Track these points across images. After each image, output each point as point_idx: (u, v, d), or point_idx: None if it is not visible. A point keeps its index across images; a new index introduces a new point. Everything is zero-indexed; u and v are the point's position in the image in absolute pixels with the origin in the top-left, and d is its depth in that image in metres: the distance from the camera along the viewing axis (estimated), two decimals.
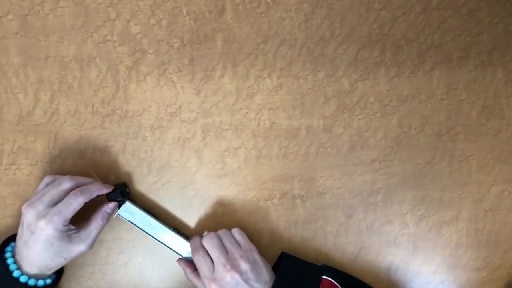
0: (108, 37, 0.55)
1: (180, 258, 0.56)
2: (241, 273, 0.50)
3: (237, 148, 0.57)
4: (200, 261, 0.52)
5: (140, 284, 0.58)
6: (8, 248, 0.50)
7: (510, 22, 0.58)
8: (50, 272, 0.50)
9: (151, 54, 0.55)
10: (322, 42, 0.56)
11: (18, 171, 0.56)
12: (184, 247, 0.55)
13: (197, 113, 0.57)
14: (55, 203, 0.48)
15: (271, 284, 0.51)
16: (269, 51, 0.56)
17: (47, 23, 0.54)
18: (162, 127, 0.56)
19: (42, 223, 0.46)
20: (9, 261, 0.48)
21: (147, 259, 0.58)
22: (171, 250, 0.55)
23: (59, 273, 0.54)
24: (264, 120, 0.57)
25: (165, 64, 0.55)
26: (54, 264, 0.49)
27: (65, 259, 0.49)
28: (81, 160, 0.56)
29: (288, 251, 0.58)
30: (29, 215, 0.47)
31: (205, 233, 0.58)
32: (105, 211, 0.51)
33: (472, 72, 0.58)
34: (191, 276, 0.54)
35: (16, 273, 0.48)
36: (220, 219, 0.58)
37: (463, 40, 0.58)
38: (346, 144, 0.58)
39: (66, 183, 0.49)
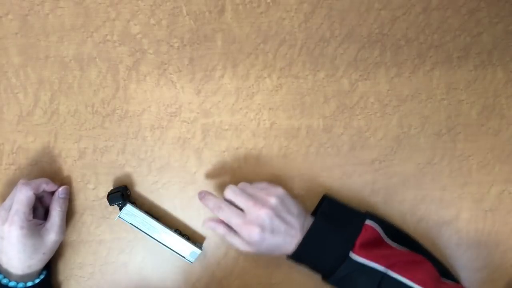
0: (108, 37, 0.55)
1: (217, 221, 0.52)
2: (272, 208, 0.49)
3: (237, 148, 0.57)
4: (228, 214, 0.50)
5: (140, 284, 0.58)
6: None
7: (510, 22, 0.58)
8: (35, 271, 0.51)
9: (151, 54, 0.55)
10: (322, 42, 0.56)
11: (18, 171, 0.56)
12: (186, 249, 0.55)
13: (197, 113, 0.57)
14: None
15: (304, 217, 0.51)
16: (269, 51, 0.56)
17: (47, 23, 0.54)
18: (162, 127, 0.56)
19: (6, 226, 0.48)
20: None
21: (147, 259, 0.58)
22: (173, 252, 0.55)
23: (48, 270, 0.54)
24: (264, 120, 0.57)
25: (165, 64, 0.55)
26: (35, 262, 0.50)
27: (44, 253, 0.50)
28: (81, 160, 0.56)
29: None
30: None
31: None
32: (58, 197, 0.52)
33: (472, 72, 0.58)
34: (231, 235, 0.51)
35: (4, 281, 0.49)
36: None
37: (463, 40, 0.58)
38: (346, 144, 0.58)
39: (19, 185, 0.50)
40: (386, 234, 0.53)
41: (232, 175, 0.58)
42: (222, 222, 0.52)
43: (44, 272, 0.53)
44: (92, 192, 0.57)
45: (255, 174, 0.58)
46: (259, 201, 0.50)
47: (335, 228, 0.51)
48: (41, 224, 0.51)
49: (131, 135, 0.56)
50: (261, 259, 0.54)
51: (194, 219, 0.58)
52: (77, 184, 0.56)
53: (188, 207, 0.58)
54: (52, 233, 0.51)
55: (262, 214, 0.49)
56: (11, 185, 0.56)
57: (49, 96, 0.55)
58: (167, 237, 0.54)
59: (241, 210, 0.50)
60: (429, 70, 0.58)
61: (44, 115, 0.55)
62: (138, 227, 0.54)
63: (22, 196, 0.49)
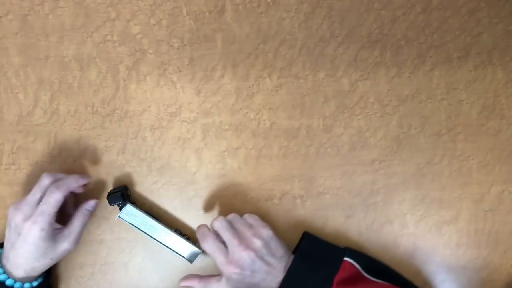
0: (108, 37, 0.55)
1: (184, 278, 0.55)
2: (256, 250, 0.50)
3: (237, 148, 0.57)
4: (213, 248, 0.51)
5: (140, 284, 0.58)
6: None
7: (510, 22, 0.58)
8: (36, 274, 0.50)
9: (151, 54, 0.55)
10: (322, 42, 0.56)
11: (18, 171, 0.56)
12: (186, 249, 0.55)
13: (197, 113, 0.57)
14: (38, 201, 0.48)
15: (287, 258, 0.52)
16: (269, 51, 0.56)
17: (47, 23, 0.54)
18: (162, 127, 0.56)
19: (28, 224, 0.47)
20: None
21: (147, 259, 0.58)
22: (173, 252, 0.55)
23: (47, 275, 0.53)
24: (264, 120, 0.57)
25: (165, 64, 0.55)
26: (40, 265, 0.49)
27: (51, 259, 0.49)
28: (81, 160, 0.56)
29: None
30: (16, 217, 0.48)
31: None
32: (86, 209, 0.51)
33: (472, 72, 0.58)
34: (201, 285, 0.53)
35: (2, 277, 0.48)
36: None
37: (463, 40, 0.57)
38: (346, 144, 0.58)
39: (45, 180, 0.49)
40: (366, 269, 0.53)
41: (232, 175, 0.58)
42: (196, 276, 0.54)
43: (43, 275, 0.52)
44: (92, 192, 0.57)
45: (255, 174, 0.58)
46: (243, 241, 0.50)
47: (313, 267, 0.51)
48: (58, 229, 0.50)
49: (131, 135, 0.56)
50: None
51: (194, 219, 0.58)
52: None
53: (188, 207, 0.58)
54: (67, 242, 0.50)
55: (244, 255, 0.49)
56: (11, 185, 0.56)
57: (49, 96, 0.55)
58: (167, 237, 0.54)
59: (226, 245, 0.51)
60: (429, 70, 0.58)
61: (44, 115, 0.55)
62: (138, 227, 0.54)
63: (52, 200, 0.47)
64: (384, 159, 0.58)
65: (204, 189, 0.58)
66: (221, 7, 0.55)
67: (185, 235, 0.56)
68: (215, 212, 0.58)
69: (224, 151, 0.57)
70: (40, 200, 0.48)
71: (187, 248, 0.55)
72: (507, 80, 0.58)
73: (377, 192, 0.59)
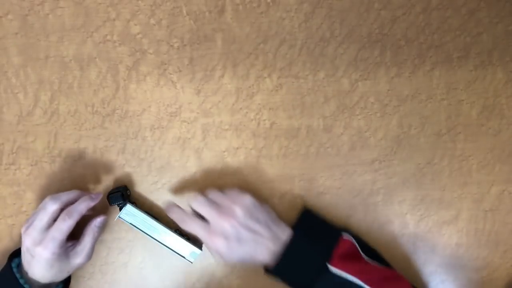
0: (108, 37, 0.55)
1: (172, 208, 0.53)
2: (237, 217, 0.49)
3: (237, 148, 0.57)
4: (193, 226, 0.50)
5: (140, 284, 0.58)
6: (13, 264, 0.51)
7: (510, 22, 0.58)
8: (56, 282, 0.51)
9: (151, 54, 0.55)
10: (322, 42, 0.56)
11: (18, 171, 0.56)
12: (186, 249, 0.55)
13: (197, 113, 0.57)
14: (46, 226, 0.48)
15: (278, 227, 0.51)
16: (269, 51, 0.56)
17: (47, 23, 0.54)
18: (162, 127, 0.56)
19: (39, 249, 0.47)
20: (18, 275, 0.50)
21: (147, 259, 0.58)
22: (173, 252, 0.55)
23: (66, 282, 0.54)
24: (264, 120, 0.57)
25: (165, 64, 0.55)
26: (57, 278, 0.50)
27: (68, 272, 0.51)
28: (81, 160, 0.56)
29: None
30: (26, 241, 0.48)
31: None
32: (95, 225, 0.51)
33: (472, 72, 0.58)
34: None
35: (26, 286, 0.49)
36: None
37: (463, 40, 0.58)
38: (346, 144, 0.58)
39: (51, 206, 0.49)
40: (363, 250, 0.53)
41: (232, 175, 0.58)
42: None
43: (60, 285, 0.53)
44: (92, 192, 0.57)
45: (255, 174, 0.58)
46: (223, 212, 0.50)
47: (313, 241, 0.51)
48: (70, 246, 0.51)
49: (131, 135, 0.56)
50: None
51: None
52: (77, 184, 0.56)
53: (188, 207, 0.58)
54: (80, 257, 0.50)
55: (226, 224, 0.49)
56: (11, 185, 0.56)
57: (49, 96, 0.55)
58: (167, 237, 0.54)
59: (207, 221, 0.51)
60: (429, 70, 0.58)
61: (44, 115, 0.55)
62: (138, 227, 0.54)
63: (65, 227, 0.48)
64: (384, 159, 0.58)
65: (204, 189, 0.58)
66: (221, 7, 0.55)
67: (185, 235, 0.56)
68: None
69: (224, 151, 0.57)
70: (48, 224, 0.48)
71: (187, 248, 0.55)
72: (507, 80, 0.58)
73: (377, 192, 0.59)
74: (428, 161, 0.59)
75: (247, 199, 0.52)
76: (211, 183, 0.57)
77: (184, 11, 0.55)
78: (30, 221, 0.49)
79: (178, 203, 0.54)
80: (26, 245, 0.48)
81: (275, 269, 0.50)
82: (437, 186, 0.59)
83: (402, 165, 0.59)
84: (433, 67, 0.58)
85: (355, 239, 0.54)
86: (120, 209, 0.53)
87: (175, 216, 0.52)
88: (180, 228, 0.57)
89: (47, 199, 0.49)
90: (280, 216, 0.58)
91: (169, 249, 0.55)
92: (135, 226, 0.54)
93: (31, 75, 0.55)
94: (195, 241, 0.56)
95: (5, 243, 0.56)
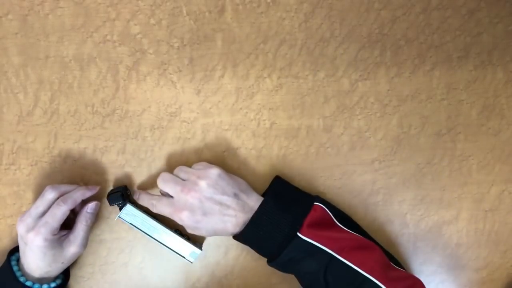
0: (108, 37, 0.55)
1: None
2: (200, 191, 0.49)
3: (237, 148, 0.57)
4: (159, 207, 0.50)
5: (140, 284, 0.58)
6: (13, 257, 0.51)
7: (510, 22, 0.58)
8: (52, 276, 0.51)
9: (151, 54, 0.55)
10: (322, 42, 0.56)
11: (18, 171, 0.56)
12: (186, 249, 0.55)
13: (197, 113, 0.57)
14: (42, 214, 0.49)
15: (248, 196, 0.50)
16: (269, 51, 0.56)
17: (47, 23, 0.54)
18: (162, 127, 0.56)
19: (31, 235, 0.48)
20: (15, 268, 0.50)
21: (147, 259, 0.58)
22: (173, 252, 0.55)
23: (66, 275, 0.55)
24: (264, 120, 0.57)
25: (165, 64, 0.55)
26: (53, 269, 0.50)
27: (62, 263, 0.50)
28: (81, 160, 0.56)
29: None
30: (20, 228, 0.48)
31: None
32: (87, 212, 0.52)
33: (472, 72, 0.58)
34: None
35: (22, 279, 0.49)
36: None
37: (463, 40, 0.58)
38: (346, 144, 0.58)
39: (49, 194, 0.49)
40: (336, 217, 0.52)
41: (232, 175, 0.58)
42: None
43: (61, 276, 0.53)
44: None
45: (255, 174, 0.58)
46: (187, 186, 0.49)
47: (283, 207, 0.50)
48: (64, 235, 0.51)
49: (131, 135, 0.56)
50: (261, 259, 0.54)
51: None
52: (77, 184, 0.56)
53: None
54: (74, 246, 0.50)
55: (189, 198, 0.48)
56: (11, 185, 0.56)
57: (49, 96, 0.55)
58: (167, 237, 0.54)
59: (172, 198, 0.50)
60: (429, 70, 0.58)
61: (44, 115, 0.55)
62: (138, 227, 0.54)
63: (59, 213, 0.48)
64: (384, 159, 0.58)
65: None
66: (221, 7, 0.55)
67: (185, 235, 0.56)
68: None
69: (224, 151, 0.57)
70: (43, 213, 0.49)
71: (187, 248, 0.55)
72: (507, 80, 0.58)
73: (377, 192, 0.59)
74: (428, 161, 0.59)
75: (213, 171, 0.50)
76: None
77: (184, 11, 0.55)
78: (27, 210, 0.50)
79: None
80: (20, 232, 0.48)
81: (243, 234, 0.50)
82: (437, 186, 0.59)
83: (402, 165, 0.59)
84: (433, 67, 0.58)
85: (329, 207, 0.52)
86: (120, 209, 0.53)
87: (144, 203, 0.52)
88: (180, 228, 0.57)
89: (46, 187, 0.50)
90: None
91: (169, 249, 0.55)
92: (135, 226, 0.54)
93: (31, 75, 0.55)
94: (195, 241, 0.56)
95: (5, 243, 0.56)
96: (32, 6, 0.54)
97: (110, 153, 0.56)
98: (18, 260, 0.51)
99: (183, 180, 0.51)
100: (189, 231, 0.51)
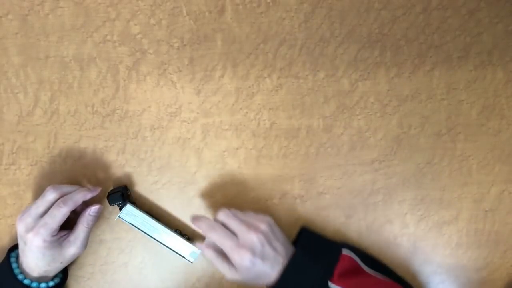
0: (108, 37, 0.55)
1: (206, 245, 0.52)
2: (263, 233, 0.50)
3: (237, 148, 0.57)
4: (221, 235, 0.50)
5: (140, 284, 0.58)
6: (13, 254, 0.51)
7: (510, 22, 0.58)
8: (51, 275, 0.51)
9: (151, 54, 0.55)
10: (322, 42, 0.56)
11: (18, 171, 0.56)
12: (186, 249, 0.55)
13: (197, 113, 0.57)
14: (41, 214, 0.49)
15: (288, 247, 0.52)
16: (269, 51, 0.56)
17: (47, 23, 0.54)
18: (162, 127, 0.56)
19: (30, 235, 0.48)
20: (14, 265, 0.50)
21: (147, 259, 0.58)
22: (173, 252, 0.55)
23: (64, 273, 0.55)
24: (264, 120, 0.57)
25: (165, 64, 0.55)
26: (51, 269, 0.50)
27: (61, 262, 0.50)
28: (81, 160, 0.56)
29: None
30: (19, 227, 0.48)
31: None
32: (89, 215, 0.52)
33: (472, 72, 0.58)
34: (219, 260, 0.51)
35: (20, 277, 0.49)
36: None
37: (463, 40, 0.57)
38: (346, 144, 0.58)
39: (50, 194, 0.49)
40: (364, 262, 0.54)
41: (232, 175, 0.58)
42: (210, 247, 0.51)
43: (60, 275, 0.53)
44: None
45: (255, 174, 0.58)
46: (251, 226, 0.50)
47: (314, 259, 0.52)
48: (63, 236, 0.51)
49: (131, 135, 0.56)
50: None
51: None
52: (77, 184, 0.56)
53: (188, 207, 0.58)
54: (74, 247, 0.50)
55: (255, 238, 0.49)
56: (11, 185, 0.56)
57: (49, 96, 0.55)
58: (167, 237, 0.54)
59: (233, 233, 0.51)
60: (429, 70, 0.58)
61: (44, 115, 0.55)
62: (138, 227, 0.54)
63: (59, 214, 0.48)
64: (384, 159, 0.58)
65: (204, 189, 0.58)
66: (221, 7, 0.55)
67: (185, 235, 0.56)
68: (215, 212, 0.58)
69: (224, 151, 0.57)
70: (43, 213, 0.49)
71: (187, 248, 0.55)
72: (507, 80, 0.58)
73: (377, 192, 0.59)
74: (428, 161, 0.59)
75: (268, 217, 0.53)
76: (211, 183, 0.57)
77: (184, 11, 0.55)
78: (26, 208, 0.49)
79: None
80: (20, 231, 0.48)
81: (277, 285, 0.50)
82: (437, 186, 0.59)
83: (402, 165, 0.59)
84: (433, 67, 0.58)
85: (355, 251, 0.54)
86: (120, 209, 0.53)
87: (203, 224, 0.52)
88: (180, 228, 0.57)
89: (48, 187, 0.50)
90: (280, 216, 0.59)
91: (169, 249, 0.55)
92: (135, 226, 0.54)
93: (31, 75, 0.55)
94: (195, 241, 0.56)
95: (5, 243, 0.56)
96: (32, 6, 0.54)
97: (110, 153, 0.56)
98: (17, 257, 0.51)
99: (239, 217, 0.52)
100: (237, 273, 0.50)
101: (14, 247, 0.53)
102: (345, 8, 0.56)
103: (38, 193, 0.56)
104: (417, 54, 0.57)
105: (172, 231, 0.54)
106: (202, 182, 0.57)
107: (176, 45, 0.55)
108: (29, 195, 0.56)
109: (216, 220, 0.52)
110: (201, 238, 0.58)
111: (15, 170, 0.56)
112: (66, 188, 0.51)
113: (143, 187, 0.57)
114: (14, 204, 0.56)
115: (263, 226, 0.50)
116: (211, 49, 0.56)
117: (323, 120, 0.58)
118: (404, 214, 0.59)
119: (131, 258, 0.58)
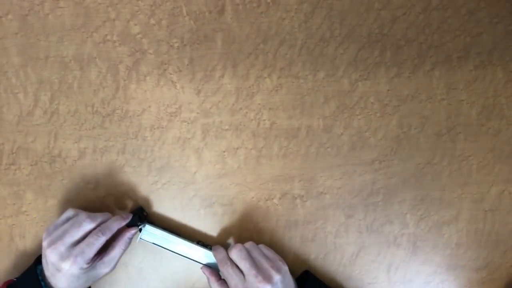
0: (108, 37, 0.55)
1: (204, 266, 0.55)
2: (273, 284, 0.50)
3: (237, 148, 0.57)
4: (230, 273, 0.51)
5: (140, 284, 0.58)
6: (38, 271, 0.51)
7: (510, 22, 0.58)
8: None
9: (151, 54, 0.55)
10: (322, 42, 0.56)
11: (18, 171, 0.56)
12: (211, 260, 0.55)
13: (197, 113, 0.57)
14: (76, 243, 0.48)
15: None
16: (269, 51, 0.56)
17: (47, 23, 0.54)
18: (162, 127, 0.56)
19: (66, 264, 0.47)
20: (42, 283, 0.50)
21: (147, 259, 0.58)
22: (200, 264, 0.55)
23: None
24: (264, 120, 0.57)
25: (165, 64, 0.55)
26: (80, 287, 0.50)
27: (92, 281, 0.51)
28: (81, 160, 0.56)
29: (288, 252, 0.58)
30: (52, 256, 0.47)
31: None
32: (128, 238, 0.52)
33: (472, 72, 0.58)
34: (216, 285, 0.53)
35: None
36: (220, 219, 0.58)
37: (463, 40, 0.57)
38: (346, 144, 0.58)
39: (88, 225, 0.49)
40: None
41: (232, 175, 0.58)
42: (217, 273, 0.54)
43: None
44: (92, 192, 0.57)
45: (255, 174, 0.58)
46: (262, 273, 0.50)
47: None
48: (97, 258, 0.51)
49: (131, 135, 0.56)
50: None
51: (194, 219, 0.58)
52: (77, 184, 0.56)
53: (188, 207, 0.58)
54: (107, 268, 0.51)
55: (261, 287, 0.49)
56: (11, 185, 0.56)
57: (49, 96, 0.55)
58: (191, 250, 0.55)
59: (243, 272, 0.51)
60: (429, 70, 0.58)
61: (44, 115, 0.55)
62: (161, 245, 0.54)
63: (97, 243, 0.48)
64: (384, 159, 0.58)
65: (204, 189, 0.58)
66: (221, 7, 0.55)
67: (208, 245, 0.56)
68: (215, 212, 0.58)
69: (224, 151, 0.57)
70: (78, 242, 0.48)
71: (212, 259, 0.55)
72: (507, 80, 0.58)
73: (377, 192, 0.59)
74: (428, 161, 0.59)
75: (284, 267, 0.52)
76: (211, 183, 0.57)
77: (184, 11, 0.55)
78: (55, 234, 0.48)
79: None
80: (52, 260, 0.47)
81: None
82: (437, 186, 0.59)
83: (402, 165, 0.59)
84: (433, 67, 0.58)
85: None
86: (140, 231, 0.53)
87: (219, 256, 0.53)
88: (201, 240, 0.57)
89: (83, 217, 0.49)
90: (280, 216, 0.58)
91: (195, 262, 0.55)
92: (158, 245, 0.54)
93: (31, 75, 0.55)
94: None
95: (5, 243, 0.56)
96: (32, 6, 0.54)
97: (110, 153, 0.56)
98: (40, 272, 0.51)
99: (254, 257, 0.52)
100: None
101: (38, 259, 0.52)
102: (345, 8, 0.56)
103: (38, 193, 0.56)
104: (417, 54, 0.57)
105: (194, 244, 0.54)
106: (202, 182, 0.57)
107: (176, 45, 0.55)
108: (29, 195, 0.56)
109: (229, 255, 0.53)
110: (225, 246, 0.58)
111: (15, 170, 0.56)
112: (101, 217, 0.50)
113: (143, 187, 0.57)
114: (14, 204, 0.56)
115: (276, 276, 0.50)
116: (211, 49, 0.56)
117: (323, 120, 0.58)
118: (404, 214, 0.59)
119: (131, 258, 0.58)
